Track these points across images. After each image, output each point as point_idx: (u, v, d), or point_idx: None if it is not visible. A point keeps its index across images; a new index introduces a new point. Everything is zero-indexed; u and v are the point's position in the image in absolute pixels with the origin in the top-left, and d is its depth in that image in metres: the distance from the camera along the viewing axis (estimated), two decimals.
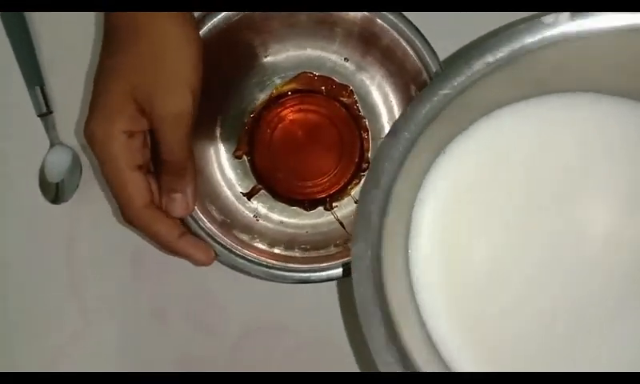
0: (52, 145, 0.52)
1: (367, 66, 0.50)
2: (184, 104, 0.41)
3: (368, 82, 0.51)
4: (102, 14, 0.51)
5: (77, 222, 0.52)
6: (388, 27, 0.46)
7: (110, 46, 0.42)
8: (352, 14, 0.47)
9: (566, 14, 0.39)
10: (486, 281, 0.43)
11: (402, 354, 0.38)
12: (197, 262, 0.45)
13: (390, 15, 0.45)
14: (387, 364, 0.38)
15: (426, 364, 0.41)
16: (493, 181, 0.44)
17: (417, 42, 0.45)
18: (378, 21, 0.46)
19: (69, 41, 0.53)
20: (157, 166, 0.44)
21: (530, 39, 0.39)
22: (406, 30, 0.45)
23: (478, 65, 0.39)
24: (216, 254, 0.46)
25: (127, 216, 0.43)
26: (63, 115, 0.53)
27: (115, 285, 0.52)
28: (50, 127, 0.52)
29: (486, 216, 0.43)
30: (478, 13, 0.48)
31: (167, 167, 0.43)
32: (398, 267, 0.43)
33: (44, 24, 0.53)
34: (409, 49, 0.46)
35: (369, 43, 0.48)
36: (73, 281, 0.52)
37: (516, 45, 0.39)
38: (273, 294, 0.50)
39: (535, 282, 0.43)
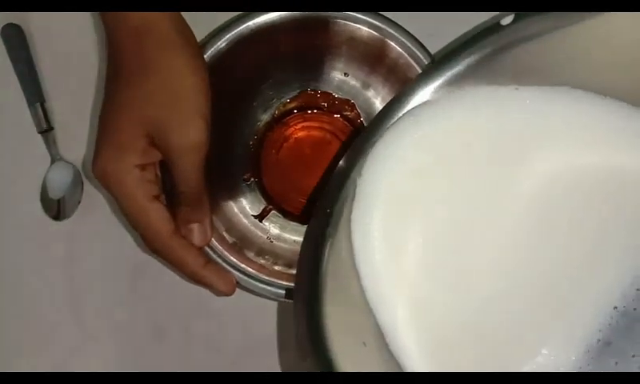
0: (53, 161, 0.52)
1: (372, 82, 0.51)
2: (199, 134, 0.41)
3: (372, 97, 0.51)
4: (103, 29, 0.52)
5: (78, 238, 0.52)
6: (394, 44, 0.47)
7: (117, 81, 0.42)
8: (358, 33, 0.47)
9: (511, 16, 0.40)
10: (431, 266, 0.43)
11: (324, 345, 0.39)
12: (219, 293, 0.45)
13: (395, 33, 0.46)
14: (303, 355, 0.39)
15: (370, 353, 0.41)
16: (438, 161, 0.43)
17: (420, 56, 0.46)
18: (386, 39, 0.47)
19: (69, 57, 0.53)
20: (168, 198, 0.44)
21: (490, 44, 0.41)
22: (410, 45, 0.46)
23: (439, 80, 0.42)
24: (237, 282, 0.46)
25: (154, 246, 0.43)
26: (64, 131, 0.53)
27: (115, 301, 0.52)
28: (50, 144, 0.52)
29: (429, 197, 0.43)
30: (479, 19, 0.48)
31: (184, 198, 0.43)
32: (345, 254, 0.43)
33: (44, 41, 0.53)
34: (412, 62, 0.47)
35: (375, 61, 0.49)
36: (73, 296, 0.51)
37: (476, 54, 0.41)
38: (273, 309, 0.51)
39: (485, 265, 0.43)
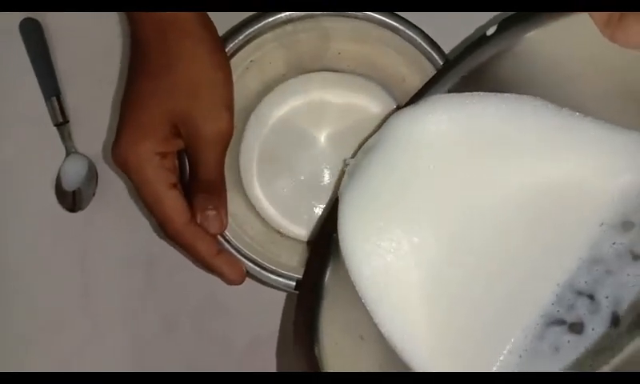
0: (68, 154, 0.53)
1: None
2: (225, 124, 0.43)
3: None
4: (121, 24, 0.52)
5: (92, 230, 0.52)
6: (408, 44, 0.47)
7: (141, 71, 0.43)
8: (374, 32, 0.48)
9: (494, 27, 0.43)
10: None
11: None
12: (229, 281, 0.46)
13: (410, 32, 0.47)
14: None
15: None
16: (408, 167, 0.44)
17: (435, 57, 0.47)
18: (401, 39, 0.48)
19: (84, 51, 0.54)
20: (184, 187, 0.45)
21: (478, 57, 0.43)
22: (425, 45, 0.47)
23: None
24: (248, 272, 0.46)
25: (169, 234, 0.44)
26: (79, 125, 0.53)
27: (127, 293, 0.52)
28: (66, 136, 0.53)
29: (406, 201, 0.44)
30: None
31: (203, 186, 0.44)
32: None
33: (61, 35, 0.54)
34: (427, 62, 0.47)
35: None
36: (86, 288, 0.52)
37: (465, 67, 0.43)
38: (283, 302, 0.51)
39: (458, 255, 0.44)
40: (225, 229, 0.45)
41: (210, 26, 0.43)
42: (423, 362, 0.42)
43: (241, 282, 0.46)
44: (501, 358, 0.43)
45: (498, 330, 0.43)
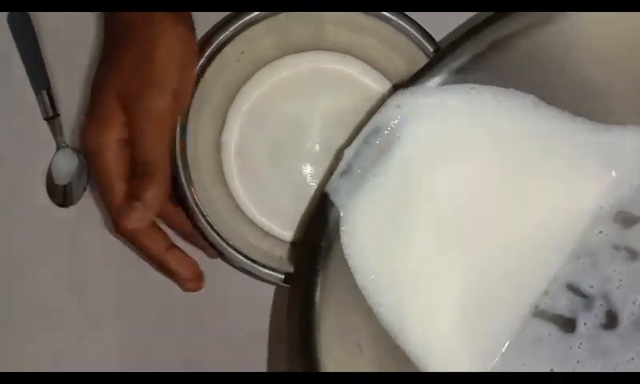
0: (59, 148, 0.52)
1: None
2: (161, 102, 0.40)
3: None
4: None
5: (84, 225, 0.52)
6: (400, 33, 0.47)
7: (107, 49, 0.42)
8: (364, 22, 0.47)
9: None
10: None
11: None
12: (183, 282, 0.44)
13: (400, 21, 0.46)
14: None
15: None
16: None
17: (426, 44, 0.46)
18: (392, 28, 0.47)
19: (75, 44, 0.53)
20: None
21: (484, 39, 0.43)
22: (416, 33, 0.46)
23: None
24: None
25: (117, 227, 0.42)
26: (70, 118, 0.53)
27: (120, 288, 0.52)
28: (56, 130, 0.52)
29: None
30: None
31: (137, 169, 0.41)
32: None
33: (50, 27, 0.53)
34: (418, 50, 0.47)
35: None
36: (78, 283, 0.52)
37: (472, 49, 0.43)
38: (280, 296, 0.51)
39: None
40: (146, 224, 0.42)
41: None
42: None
43: (197, 286, 0.45)
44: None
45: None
